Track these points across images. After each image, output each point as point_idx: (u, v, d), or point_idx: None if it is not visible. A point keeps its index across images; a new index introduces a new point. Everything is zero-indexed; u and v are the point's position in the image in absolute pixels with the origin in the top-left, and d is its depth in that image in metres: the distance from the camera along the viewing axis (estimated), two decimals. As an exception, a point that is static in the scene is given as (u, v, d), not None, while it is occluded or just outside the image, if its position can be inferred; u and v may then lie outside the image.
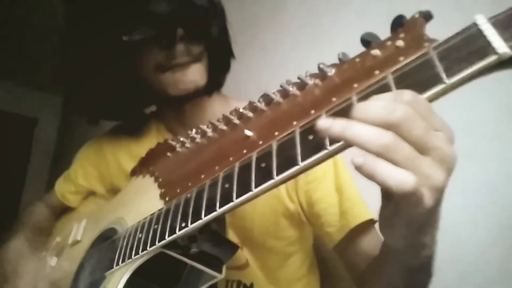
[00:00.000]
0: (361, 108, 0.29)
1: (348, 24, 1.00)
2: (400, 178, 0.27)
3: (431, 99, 0.30)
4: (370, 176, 0.28)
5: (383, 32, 0.39)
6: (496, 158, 0.72)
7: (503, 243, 0.65)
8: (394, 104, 0.28)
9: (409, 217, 0.32)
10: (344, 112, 0.35)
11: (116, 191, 0.75)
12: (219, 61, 0.69)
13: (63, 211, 0.84)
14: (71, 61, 0.69)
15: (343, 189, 0.61)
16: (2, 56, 2.13)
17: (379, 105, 0.29)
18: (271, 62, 1.18)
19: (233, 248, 0.54)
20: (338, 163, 0.63)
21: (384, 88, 0.33)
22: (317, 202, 0.61)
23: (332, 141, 0.34)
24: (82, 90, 0.71)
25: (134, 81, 0.65)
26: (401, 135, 0.28)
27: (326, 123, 0.30)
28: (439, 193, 0.30)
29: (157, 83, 0.63)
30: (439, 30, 0.34)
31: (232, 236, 0.63)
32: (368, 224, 0.59)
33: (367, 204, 0.61)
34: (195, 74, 0.62)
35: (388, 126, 0.28)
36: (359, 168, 0.28)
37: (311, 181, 0.62)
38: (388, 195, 0.33)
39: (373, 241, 0.59)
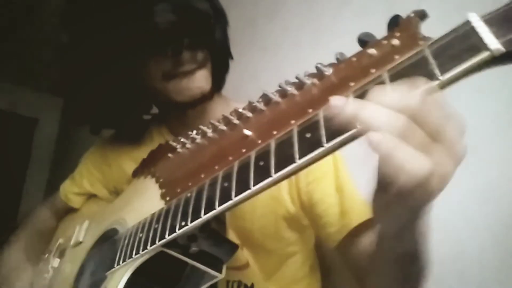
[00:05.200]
0: (377, 91, 0.29)
1: (348, 24, 1.01)
2: (419, 163, 0.27)
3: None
4: (387, 156, 0.27)
5: (383, 32, 0.39)
6: (496, 158, 0.72)
7: (503, 243, 0.65)
8: (411, 92, 0.28)
9: (411, 205, 0.31)
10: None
11: (119, 194, 0.75)
12: (221, 64, 0.70)
13: (66, 213, 0.84)
14: (73, 73, 0.69)
15: (343, 188, 0.62)
16: (2, 57, 2.13)
17: (397, 91, 0.29)
18: (271, 62, 1.18)
19: (233, 248, 0.54)
20: (338, 162, 0.63)
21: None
22: (318, 203, 0.62)
23: (329, 138, 0.34)
24: (85, 101, 0.71)
25: (139, 90, 0.66)
26: (417, 121, 0.28)
27: (340, 101, 0.30)
28: (445, 183, 0.29)
29: (163, 90, 0.63)
30: (439, 31, 0.34)
31: (232, 237, 0.64)
32: (369, 223, 0.59)
33: (367, 202, 0.60)
34: (201, 80, 0.62)
35: (404, 111, 0.28)
36: (376, 145, 0.27)
37: (311, 181, 0.62)
38: (387, 183, 0.29)
39: (373, 238, 0.59)
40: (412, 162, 0.27)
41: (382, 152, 0.27)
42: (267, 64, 1.19)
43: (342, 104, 0.30)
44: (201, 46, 0.62)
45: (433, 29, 0.35)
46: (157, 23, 0.56)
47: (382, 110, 0.28)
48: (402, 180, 0.27)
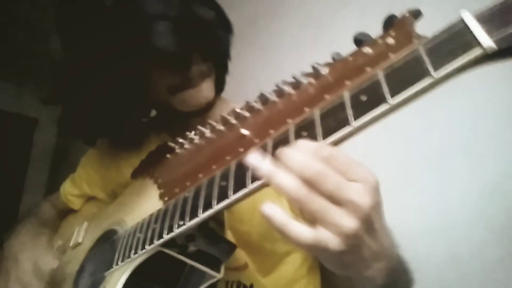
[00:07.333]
0: (285, 157, 0.34)
1: (348, 24, 1.01)
2: (297, 233, 0.33)
3: (421, 93, 0.31)
4: (277, 228, 0.34)
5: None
6: (495, 158, 0.72)
7: (503, 243, 0.65)
8: (310, 160, 0.33)
9: (326, 259, 0.35)
10: (337, 109, 0.36)
11: (118, 196, 0.75)
12: (223, 69, 0.70)
13: (66, 212, 0.85)
14: (68, 82, 0.65)
15: None
16: (3, 57, 2.13)
17: (298, 159, 0.33)
18: (271, 62, 1.19)
19: (231, 247, 0.54)
20: None
21: (374, 85, 0.33)
22: None
23: (325, 136, 0.35)
24: (79, 111, 0.67)
25: (140, 98, 0.64)
26: (315, 188, 0.32)
27: (254, 162, 0.36)
28: (351, 238, 0.32)
29: (168, 102, 0.63)
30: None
31: (230, 239, 0.64)
32: None
33: None
34: (207, 91, 0.62)
35: (304, 180, 0.33)
36: (268, 218, 0.34)
37: None
38: None
39: None
40: (293, 233, 0.33)
41: (274, 225, 0.34)
42: (267, 64, 1.20)
43: (256, 166, 0.36)
44: (210, 58, 0.61)
45: (433, 29, 0.35)
46: (158, 47, 0.53)
47: (287, 180, 0.33)
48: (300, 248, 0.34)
